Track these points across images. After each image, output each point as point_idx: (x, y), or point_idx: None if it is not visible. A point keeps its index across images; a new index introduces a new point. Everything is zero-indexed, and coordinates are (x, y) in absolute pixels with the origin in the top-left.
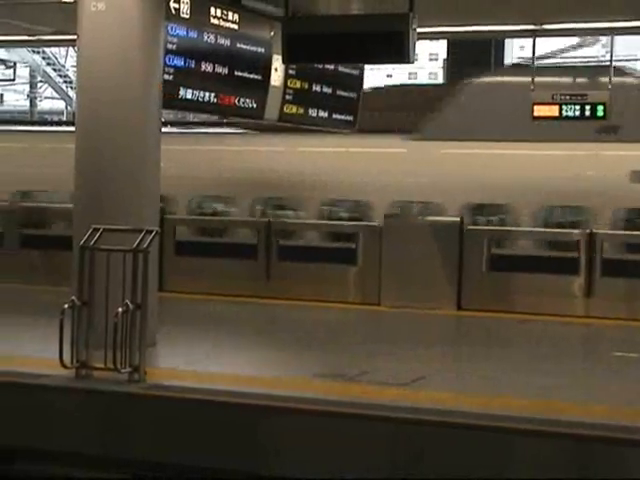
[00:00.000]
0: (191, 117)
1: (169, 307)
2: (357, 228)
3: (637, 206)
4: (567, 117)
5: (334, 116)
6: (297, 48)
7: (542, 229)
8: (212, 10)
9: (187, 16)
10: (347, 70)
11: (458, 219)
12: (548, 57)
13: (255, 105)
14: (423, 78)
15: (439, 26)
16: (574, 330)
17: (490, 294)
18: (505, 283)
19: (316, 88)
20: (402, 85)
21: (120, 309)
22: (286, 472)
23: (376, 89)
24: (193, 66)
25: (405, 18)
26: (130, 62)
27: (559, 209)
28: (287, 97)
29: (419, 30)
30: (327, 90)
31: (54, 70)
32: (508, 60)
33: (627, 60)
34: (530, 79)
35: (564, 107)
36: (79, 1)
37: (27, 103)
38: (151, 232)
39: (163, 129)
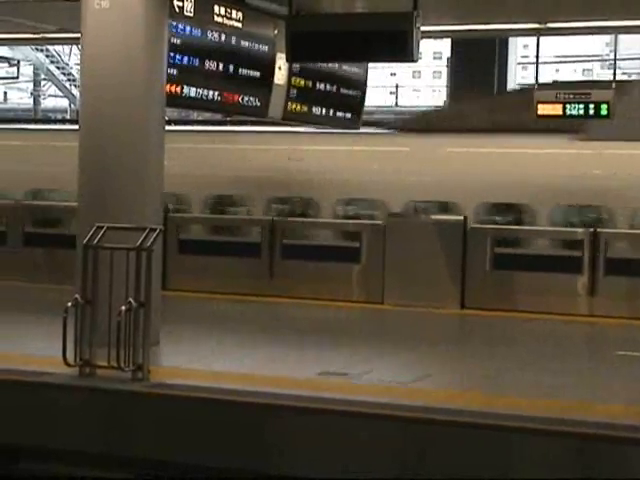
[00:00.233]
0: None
1: (173, 305)
2: (360, 227)
3: None
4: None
5: (338, 114)
6: (301, 46)
7: (547, 228)
8: (216, 8)
9: (191, 14)
10: (351, 68)
11: (462, 218)
12: None
13: (259, 103)
14: (427, 77)
15: (443, 25)
16: (577, 329)
17: (493, 293)
18: (508, 282)
19: (320, 86)
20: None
21: (123, 307)
22: (290, 471)
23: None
24: (197, 64)
25: (409, 17)
26: (134, 60)
27: None
28: (291, 95)
29: (423, 29)
30: (331, 88)
31: (58, 68)
32: (512, 59)
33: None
34: None
35: (567, 106)
36: None
37: (31, 101)
38: (155, 230)
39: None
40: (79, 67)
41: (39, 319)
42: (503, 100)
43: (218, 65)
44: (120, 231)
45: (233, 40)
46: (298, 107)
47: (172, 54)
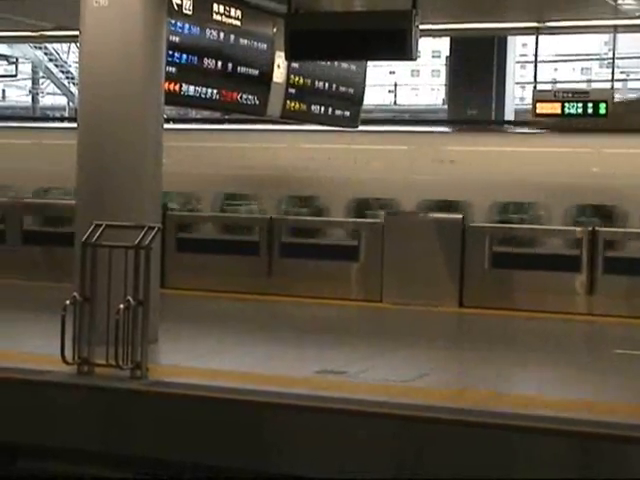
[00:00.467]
0: None
1: (171, 304)
2: (359, 225)
3: None
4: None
5: (337, 113)
6: (300, 45)
7: (545, 227)
8: (215, 6)
9: (190, 12)
10: (349, 67)
11: (460, 216)
12: None
13: (257, 101)
14: (426, 76)
15: (442, 23)
16: (576, 327)
17: (492, 291)
18: (507, 280)
19: (319, 85)
20: None
21: (122, 305)
22: (288, 470)
23: None
24: (196, 62)
25: (408, 15)
26: (132, 58)
27: None
28: (290, 93)
29: (422, 27)
30: (330, 87)
31: (56, 66)
32: (511, 57)
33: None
34: None
35: (566, 105)
36: None
37: (29, 99)
38: (153, 228)
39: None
40: (78, 65)
41: (38, 317)
42: None
43: (217, 63)
44: (118, 229)
45: (232, 38)
46: (297, 105)
47: (171, 52)
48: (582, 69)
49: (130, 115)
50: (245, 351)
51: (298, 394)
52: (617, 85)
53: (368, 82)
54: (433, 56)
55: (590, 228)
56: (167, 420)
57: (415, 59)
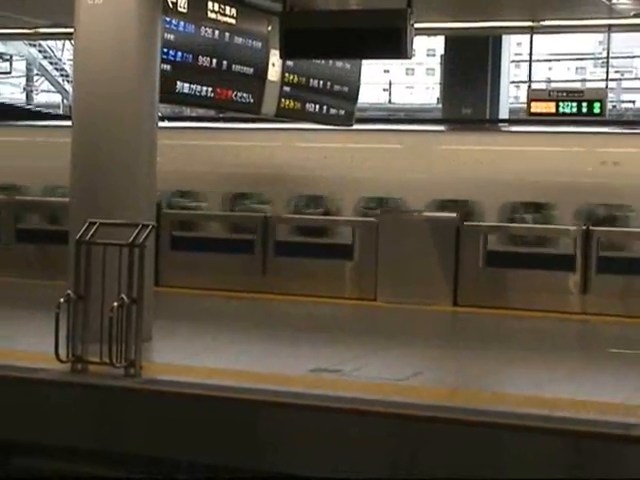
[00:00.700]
0: None
1: (165, 302)
2: (353, 224)
3: None
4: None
5: (331, 111)
6: (295, 43)
7: (538, 225)
8: (210, 4)
9: (185, 10)
10: (344, 65)
11: (455, 215)
12: None
13: (252, 100)
14: (421, 74)
15: (437, 22)
16: (570, 326)
17: (486, 290)
18: (501, 279)
19: (313, 83)
20: None
21: (116, 303)
22: (283, 468)
23: None
24: (190, 60)
25: (403, 14)
26: (127, 55)
27: None
28: (284, 92)
29: (417, 26)
30: (324, 85)
31: (50, 63)
32: (505, 57)
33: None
34: None
35: (560, 104)
36: None
37: (23, 96)
38: (147, 226)
39: None
40: (72, 62)
41: (31, 315)
42: None
43: (211, 61)
44: (113, 227)
45: (227, 36)
46: (291, 104)
47: (165, 50)
48: (577, 68)
49: (124, 113)
50: (240, 349)
51: (293, 392)
52: (611, 84)
53: (363, 80)
54: (428, 55)
55: (584, 227)
56: (161, 418)
57: (410, 58)
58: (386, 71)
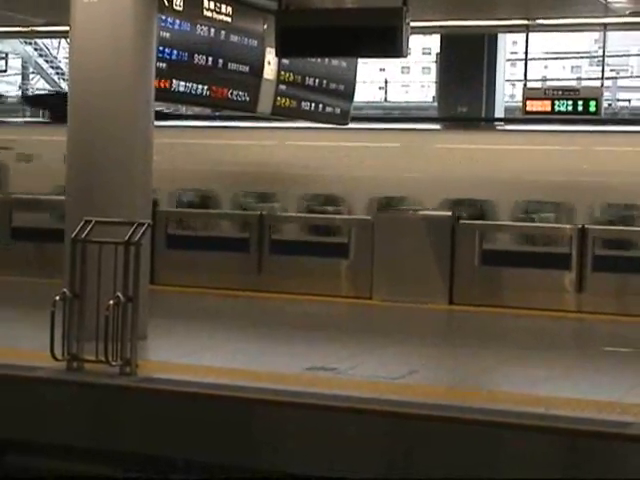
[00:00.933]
0: None
1: (161, 300)
2: (349, 222)
3: None
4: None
5: (327, 109)
6: (290, 41)
7: (534, 224)
8: (205, 3)
9: (180, 8)
10: (340, 63)
11: (450, 213)
12: None
13: (248, 98)
14: (416, 73)
15: (432, 20)
16: (565, 325)
17: (482, 289)
18: (497, 278)
19: (309, 81)
20: None
21: (112, 302)
22: (278, 467)
23: None
24: (186, 58)
25: (399, 12)
26: (122, 54)
27: None
28: (280, 90)
29: (412, 24)
30: (320, 83)
31: (46, 61)
32: (501, 55)
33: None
34: None
35: (556, 102)
36: None
37: (19, 94)
38: (143, 225)
39: None
40: (68, 60)
41: (27, 313)
42: None
43: (207, 59)
44: (108, 225)
45: (222, 35)
46: (287, 102)
47: (161, 48)
48: (572, 67)
49: (120, 111)
50: (236, 348)
51: (288, 391)
52: (607, 83)
53: (358, 79)
54: (423, 53)
55: (580, 226)
56: (157, 416)
57: (405, 56)
58: (381, 69)
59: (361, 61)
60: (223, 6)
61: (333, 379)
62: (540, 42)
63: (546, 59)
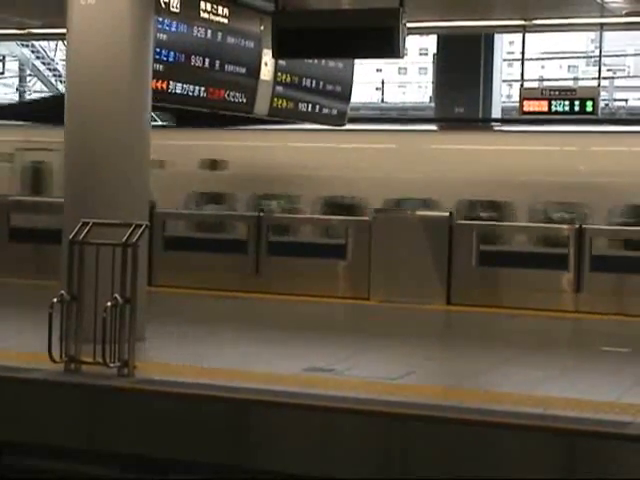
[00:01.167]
0: None
1: (158, 302)
2: (346, 223)
3: None
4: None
5: (324, 110)
6: (287, 43)
7: (532, 224)
8: (202, 4)
9: (177, 10)
10: (337, 64)
11: (447, 214)
12: None
13: (245, 99)
14: (413, 73)
15: (429, 21)
16: (563, 325)
17: (479, 289)
18: (494, 278)
19: (306, 82)
20: None
21: (109, 303)
22: (276, 467)
23: None
24: (183, 60)
25: (395, 13)
26: (119, 56)
27: None
28: (277, 91)
29: (409, 25)
30: (317, 84)
31: (43, 64)
32: (498, 55)
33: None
34: None
35: (553, 102)
36: None
37: (16, 97)
38: (140, 226)
39: None
40: (65, 63)
41: (25, 315)
42: None
43: (204, 61)
44: (106, 227)
45: (219, 36)
46: (284, 103)
47: (158, 50)
48: (569, 67)
49: (117, 113)
50: (232, 349)
51: (286, 392)
52: (604, 83)
53: (355, 80)
54: (420, 54)
55: (577, 226)
56: (154, 418)
57: (402, 57)
58: (378, 70)
59: (358, 62)
60: (220, 8)
61: (331, 380)
62: (537, 42)
63: (543, 59)
